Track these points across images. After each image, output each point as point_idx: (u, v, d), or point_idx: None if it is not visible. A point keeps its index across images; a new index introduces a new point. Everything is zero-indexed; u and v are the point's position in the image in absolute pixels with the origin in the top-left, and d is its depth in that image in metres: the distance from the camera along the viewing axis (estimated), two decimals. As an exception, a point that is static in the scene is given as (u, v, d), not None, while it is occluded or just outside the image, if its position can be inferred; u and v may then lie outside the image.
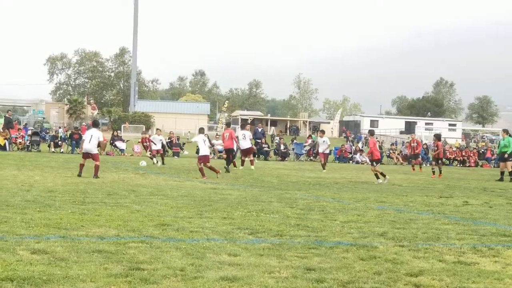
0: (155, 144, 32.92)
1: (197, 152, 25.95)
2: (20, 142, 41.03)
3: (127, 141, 44.67)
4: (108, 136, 46.01)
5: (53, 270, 7.80)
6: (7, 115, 44.18)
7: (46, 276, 7.47)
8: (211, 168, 23.81)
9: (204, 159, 24.01)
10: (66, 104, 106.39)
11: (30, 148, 40.97)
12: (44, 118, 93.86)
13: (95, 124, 23.96)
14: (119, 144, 41.66)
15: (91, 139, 22.40)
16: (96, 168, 21.97)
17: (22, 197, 15.20)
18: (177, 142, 43.99)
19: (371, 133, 27.21)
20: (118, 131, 50.30)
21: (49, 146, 41.25)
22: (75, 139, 41.08)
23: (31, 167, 25.12)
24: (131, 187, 18.73)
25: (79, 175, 21.97)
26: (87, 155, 22.47)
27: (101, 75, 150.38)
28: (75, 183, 19.47)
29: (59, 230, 10.66)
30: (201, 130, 25.82)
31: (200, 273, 8.02)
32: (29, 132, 43.92)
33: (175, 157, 40.97)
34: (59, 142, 41.39)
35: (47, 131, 52.38)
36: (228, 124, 34.26)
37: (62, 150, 40.72)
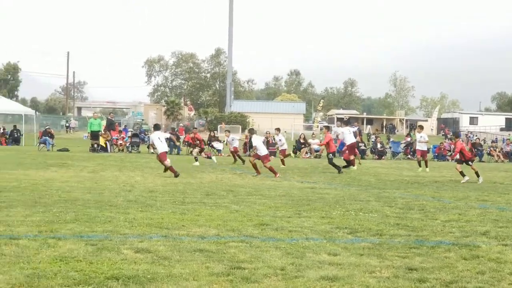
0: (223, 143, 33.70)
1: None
2: (120, 143, 42.08)
3: (224, 141, 45.12)
4: (205, 137, 46.64)
5: (156, 268, 7.96)
6: (109, 117, 45.37)
7: (150, 274, 7.63)
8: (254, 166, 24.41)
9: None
10: (164, 106, 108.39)
11: (130, 150, 41.95)
12: (143, 119, 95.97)
13: (157, 127, 24.57)
14: (216, 144, 42.04)
15: (163, 141, 23.21)
16: (165, 164, 22.87)
17: (124, 197, 15.58)
18: (273, 142, 44.12)
19: (456, 135, 26.52)
20: (215, 131, 50.87)
21: (148, 147, 42.09)
22: (173, 141, 41.81)
23: (131, 168, 25.70)
24: (229, 187, 18.91)
25: (177, 176, 22.34)
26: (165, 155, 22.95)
27: (197, 76, 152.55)
28: (174, 183, 19.81)
29: (161, 229, 10.88)
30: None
31: (301, 272, 8.03)
32: (129, 134, 44.99)
33: (272, 156, 41.13)
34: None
35: (146, 132, 53.48)
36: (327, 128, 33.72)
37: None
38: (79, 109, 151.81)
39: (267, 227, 11.40)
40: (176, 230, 10.82)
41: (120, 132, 44.04)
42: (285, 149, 33.01)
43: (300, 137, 46.82)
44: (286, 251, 9.32)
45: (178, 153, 41.36)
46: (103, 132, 41.61)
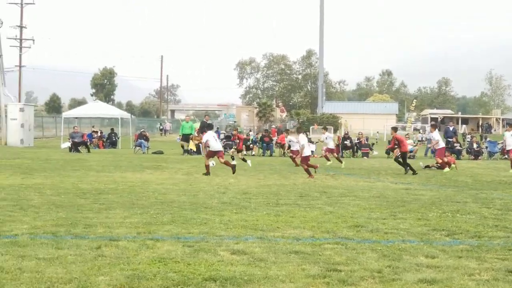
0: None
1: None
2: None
3: (316, 142, 44.99)
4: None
5: (253, 270, 8.02)
6: (204, 120, 45.96)
7: (246, 276, 7.69)
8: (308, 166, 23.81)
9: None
10: (256, 108, 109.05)
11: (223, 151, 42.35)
12: (235, 121, 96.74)
13: (210, 126, 26.21)
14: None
15: (216, 139, 24.61)
16: (227, 163, 24.03)
17: (219, 199, 15.75)
18: (366, 142, 43.79)
19: None
20: (307, 132, 50.85)
21: (204, 147, 42.33)
22: (265, 142, 42.01)
23: (225, 170, 25.92)
24: (322, 189, 18.85)
25: (207, 174, 23.41)
26: (213, 154, 24.03)
27: (289, 78, 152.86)
28: (267, 185, 19.89)
29: (256, 231, 10.95)
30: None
31: (398, 275, 7.94)
32: (222, 136, 45.40)
33: (364, 157, 40.77)
34: (250, 145, 42.44)
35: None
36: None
37: (253, 153, 41.72)
38: (173, 111, 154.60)
39: (362, 229, 11.32)
40: (271, 232, 10.87)
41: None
42: (333, 149, 32.26)
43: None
44: (382, 253, 9.23)
45: (271, 155, 41.47)
46: (196, 135, 42.18)
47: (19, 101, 63.89)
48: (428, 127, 45.58)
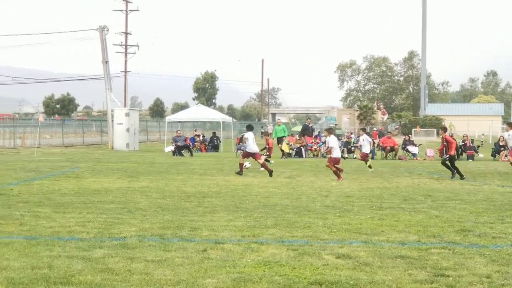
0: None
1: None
2: (315, 148, 42.51)
3: (419, 145, 44.30)
4: (400, 141, 46.02)
5: (358, 274, 7.97)
6: (306, 123, 45.99)
7: (352, 280, 7.65)
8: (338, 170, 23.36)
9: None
10: (357, 110, 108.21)
11: (324, 155, 42.23)
12: (336, 124, 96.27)
13: (251, 127, 26.65)
14: (411, 148, 41.39)
15: (254, 141, 25.42)
16: (264, 165, 24.82)
17: (321, 202, 15.72)
18: (471, 145, 42.76)
19: None
20: (410, 135, 50.12)
21: (342, 152, 42.22)
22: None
23: (327, 173, 25.85)
24: (427, 192, 18.52)
25: (240, 174, 24.37)
26: (248, 155, 25.15)
27: (390, 80, 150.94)
28: (370, 188, 19.71)
29: (360, 235, 10.87)
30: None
31: (508, 280, 7.74)
32: (323, 139, 45.31)
33: (470, 160, 39.84)
34: (352, 148, 42.20)
35: (340, 137, 53.66)
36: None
37: (355, 155, 41.43)
38: (273, 115, 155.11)
39: (469, 233, 11.07)
40: (376, 236, 10.77)
41: (315, 137, 44.47)
42: (367, 153, 29.62)
43: (499, 139, 44.96)
44: (491, 258, 9.01)
45: (372, 158, 41.08)
46: (297, 138, 42.23)
47: (125, 106, 65.67)
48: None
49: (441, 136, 25.67)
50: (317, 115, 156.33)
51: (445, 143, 24.74)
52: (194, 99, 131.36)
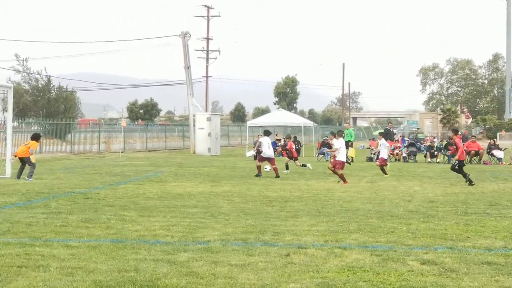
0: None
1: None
2: (397, 153, 42.03)
3: (505, 149, 43.26)
4: (485, 145, 45.04)
5: (444, 281, 7.85)
6: (387, 127, 45.58)
7: (438, 287, 7.55)
8: None
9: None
10: (440, 114, 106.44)
11: (407, 159, 41.71)
12: (418, 128, 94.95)
13: (268, 133, 27.08)
14: (496, 152, 40.44)
15: (269, 146, 26.07)
16: (276, 170, 25.44)
17: (405, 207, 15.53)
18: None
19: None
20: (494, 139, 49.01)
21: (425, 156, 41.56)
22: (450, 150, 40.92)
23: (409, 177, 25.54)
24: (514, 197, 18.08)
25: (259, 175, 25.46)
26: (263, 159, 25.96)
27: (474, 83, 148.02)
28: (455, 193, 19.35)
29: (445, 241, 10.70)
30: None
31: None
32: (406, 143, 44.75)
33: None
34: (435, 152, 41.51)
35: (422, 141, 52.87)
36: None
37: (438, 160, 40.77)
38: (354, 119, 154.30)
39: (559, 241, 10.75)
40: (461, 242, 10.58)
41: (396, 141, 43.98)
42: (385, 158, 27.52)
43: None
44: None
45: (448, 162, 40.30)
46: (377, 140, 41.84)
47: (206, 111, 66.39)
48: None
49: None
50: (399, 119, 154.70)
51: (454, 147, 23.89)
52: (275, 104, 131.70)
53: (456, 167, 23.57)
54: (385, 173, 26.70)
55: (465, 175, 23.02)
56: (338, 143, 23.72)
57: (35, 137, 24.86)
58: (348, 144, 40.51)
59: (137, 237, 10.95)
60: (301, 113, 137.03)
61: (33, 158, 23.96)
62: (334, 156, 23.68)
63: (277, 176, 24.96)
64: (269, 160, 25.94)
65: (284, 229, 11.88)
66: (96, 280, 7.94)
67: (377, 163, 28.50)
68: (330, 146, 43.46)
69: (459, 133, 26.68)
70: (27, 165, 23.74)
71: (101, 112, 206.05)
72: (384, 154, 27.65)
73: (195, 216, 13.68)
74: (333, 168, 23.48)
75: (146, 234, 11.21)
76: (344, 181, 22.74)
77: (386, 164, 27.46)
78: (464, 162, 24.18)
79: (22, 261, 8.94)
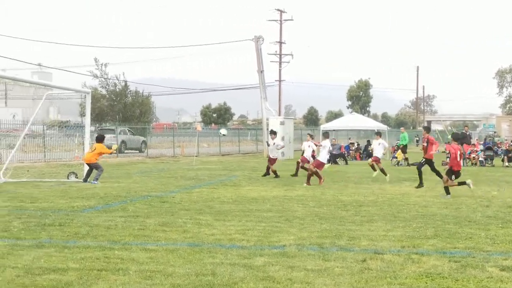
0: None
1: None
2: (473, 157, 41.26)
3: None
4: None
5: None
6: (463, 130, 44.86)
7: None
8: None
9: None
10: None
11: (484, 163, 40.92)
12: (495, 132, 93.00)
13: (326, 135, 26.23)
14: None
15: (308, 149, 26.93)
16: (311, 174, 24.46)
17: (483, 213, 15.24)
18: None
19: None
20: None
21: (502, 160, 40.70)
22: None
23: (487, 182, 25.06)
24: None
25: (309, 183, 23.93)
26: (321, 165, 24.65)
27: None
28: (535, 198, 18.89)
29: (525, 247, 10.47)
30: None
31: None
32: (481, 147, 43.90)
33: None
34: (513, 156, 40.58)
35: (500, 144, 51.79)
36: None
37: (518, 164, 39.85)
38: (429, 122, 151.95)
39: None
40: (543, 249, 10.33)
41: (473, 145, 43.18)
42: (378, 157, 27.72)
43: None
44: None
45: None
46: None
47: (279, 115, 66.46)
48: None
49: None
50: (475, 122, 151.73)
51: (425, 144, 22.57)
52: (348, 107, 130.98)
53: (422, 168, 23.00)
54: (384, 173, 26.71)
55: (437, 174, 22.50)
56: (325, 142, 24.44)
57: (100, 139, 24.95)
58: (401, 148, 40.06)
59: (213, 241, 11.06)
60: (374, 117, 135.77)
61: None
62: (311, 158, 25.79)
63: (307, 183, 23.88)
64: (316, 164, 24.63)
65: (359, 234, 11.81)
66: (174, 284, 8.06)
67: (370, 160, 28.98)
68: (404, 150, 43.02)
69: None
70: (94, 169, 24.19)
71: (175, 116, 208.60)
72: (378, 153, 28.06)
73: (270, 220, 13.72)
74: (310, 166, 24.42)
75: (222, 238, 11.31)
76: (308, 182, 23.53)
77: (379, 162, 27.47)
78: None
79: (102, 264, 9.14)
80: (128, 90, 68.73)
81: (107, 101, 67.38)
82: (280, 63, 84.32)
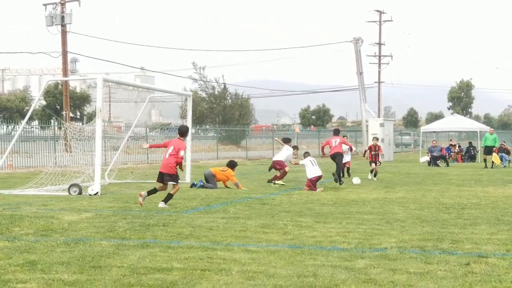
0: None
1: None
2: None
3: None
4: None
5: None
6: None
7: None
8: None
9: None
10: None
11: None
12: None
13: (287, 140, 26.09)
14: None
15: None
16: None
17: None
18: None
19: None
20: None
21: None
22: None
23: None
24: None
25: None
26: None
27: None
28: None
29: None
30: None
31: None
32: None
33: None
34: None
35: None
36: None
37: None
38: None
39: None
40: None
41: None
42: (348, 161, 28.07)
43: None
44: None
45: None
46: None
47: (379, 117, 65.93)
48: None
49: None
50: None
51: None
52: (449, 109, 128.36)
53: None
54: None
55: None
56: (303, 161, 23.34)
57: (232, 165, 23.78)
58: (492, 150, 38.87)
59: (314, 243, 11.10)
60: (476, 118, 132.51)
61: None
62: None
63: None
64: None
65: (462, 237, 11.61)
66: (276, 285, 8.15)
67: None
68: (508, 152, 41.87)
69: None
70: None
71: (273, 118, 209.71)
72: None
73: (371, 222, 13.66)
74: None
75: (323, 240, 11.34)
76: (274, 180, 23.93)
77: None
78: None
79: (205, 265, 9.32)
80: (228, 92, 69.60)
81: (207, 104, 68.43)
82: (379, 64, 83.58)
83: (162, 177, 16.88)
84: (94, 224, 13.40)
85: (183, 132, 17.32)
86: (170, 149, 16.87)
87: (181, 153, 16.69)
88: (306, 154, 24.08)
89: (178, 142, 16.94)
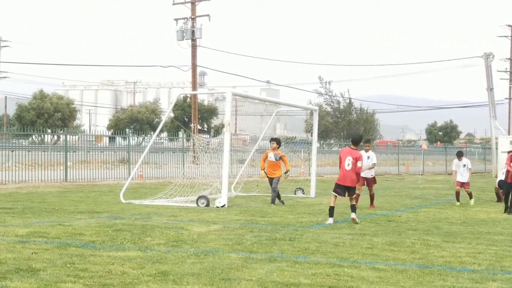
0: None
1: None
2: None
3: None
4: None
5: None
6: None
7: None
8: None
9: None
10: None
11: None
12: None
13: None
14: None
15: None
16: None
17: None
18: None
19: None
20: None
21: None
22: None
23: None
24: None
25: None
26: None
27: None
28: None
29: None
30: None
31: None
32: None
33: None
34: None
35: None
36: None
37: None
38: None
39: None
40: None
41: None
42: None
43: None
44: None
45: None
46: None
47: (509, 134, 63.83)
48: None
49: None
50: None
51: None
52: None
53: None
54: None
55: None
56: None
57: None
58: None
59: (443, 263, 10.88)
60: None
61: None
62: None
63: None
64: None
65: None
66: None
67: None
68: None
69: None
70: None
71: (399, 133, 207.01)
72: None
73: (502, 244, 13.26)
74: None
75: (452, 261, 11.10)
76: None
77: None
78: None
79: (332, 281, 9.30)
80: (353, 107, 69.34)
81: (332, 118, 68.39)
82: (510, 80, 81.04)
83: (347, 191, 16.68)
84: (223, 237, 13.65)
85: (357, 140, 17.06)
86: (349, 160, 16.46)
87: (359, 163, 16.47)
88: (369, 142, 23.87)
89: (354, 152, 16.62)
